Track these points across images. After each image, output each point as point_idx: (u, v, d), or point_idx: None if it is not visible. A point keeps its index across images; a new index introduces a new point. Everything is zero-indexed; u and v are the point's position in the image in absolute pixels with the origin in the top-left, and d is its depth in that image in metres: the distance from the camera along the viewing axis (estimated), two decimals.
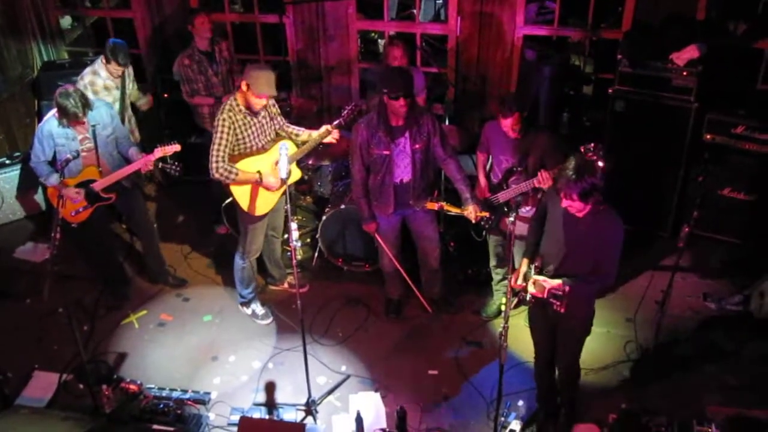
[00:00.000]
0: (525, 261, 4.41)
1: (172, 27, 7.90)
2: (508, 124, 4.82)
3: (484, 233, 5.41)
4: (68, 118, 5.20)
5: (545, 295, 4.15)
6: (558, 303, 4.12)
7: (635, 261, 5.91)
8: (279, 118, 5.38)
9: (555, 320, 4.39)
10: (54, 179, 5.40)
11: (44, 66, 7.43)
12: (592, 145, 4.43)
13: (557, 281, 4.13)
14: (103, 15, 8.17)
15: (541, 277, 4.20)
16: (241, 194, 5.27)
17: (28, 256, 6.69)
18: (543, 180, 4.76)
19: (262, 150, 5.26)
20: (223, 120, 4.99)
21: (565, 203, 3.97)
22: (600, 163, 4.40)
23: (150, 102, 6.48)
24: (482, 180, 5.32)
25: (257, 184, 5.21)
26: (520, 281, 4.36)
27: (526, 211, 5.15)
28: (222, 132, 4.99)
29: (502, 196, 5.15)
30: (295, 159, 5.36)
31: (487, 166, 5.31)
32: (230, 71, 6.63)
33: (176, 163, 5.56)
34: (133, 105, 6.46)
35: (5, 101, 7.34)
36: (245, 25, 8.20)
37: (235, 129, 5.03)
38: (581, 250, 4.11)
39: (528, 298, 4.38)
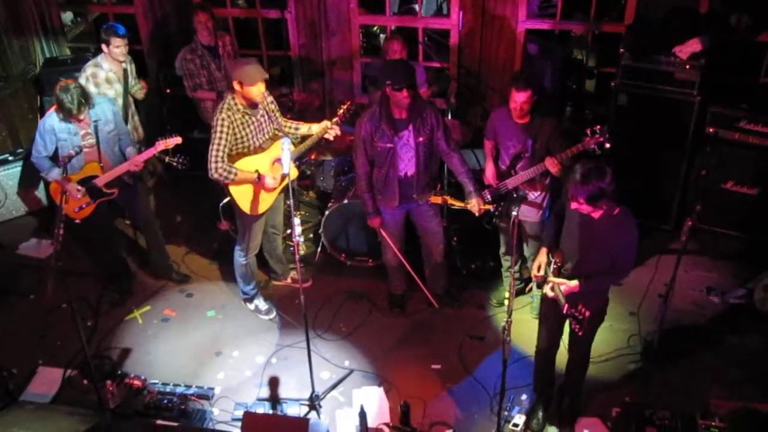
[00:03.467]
0: (544, 250, 4.41)
1: (174, 22, 7.90)
2: (520, 98, 4.82)
3: (494, 220, 5.40)
4: (64, 113, 5.21)
5: (564, 311, 4.14)
6: (578, 327, 4.12)
7: (639, 255, 5.90)
8: (276, 116, 5.36)
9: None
10: (55, 173, 5.40)
11: (46, 62, 7.43)
12: (598, 127, 4.53)
13: (574, 282, 4.14)
14: (104, 11, 8.16)
15: (558, 280, 4.20)
16: (239, 194, 5.26)
17: (31, 252, 6.71)
18: (551, 165, 4.80)
19: (260, 149, 5.25)
20: (222, 119, 4.98)
21: (573, 206, 4.00)
22: (607, 145, 4.51)
23: (144, 87, 6.45)
24: (490, 168, 5.31)
25: (256, 184, 5.21)
26: (541, 272, 4.37)
27: (535, 196, 5.17)
28: (221, 131, 4.97)
29: (510, 183, 5.15)
30: (295, 156, 5.35)
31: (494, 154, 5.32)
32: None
33: (183, 157, 5.56)
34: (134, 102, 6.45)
35: (8, 97, 7.34)
36: (247, 20, 8.19)
37: (234, 128, 5.02)
38: (596, 252, 4.13)
39: (544, 293, 4.39)
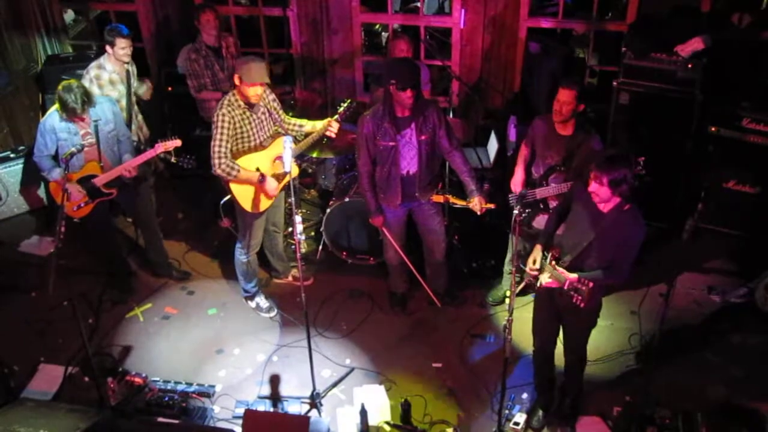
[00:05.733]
0: (538, 247, 4.40)
1: (176, 20, 7.90)
2: (564, 96, 4.76)
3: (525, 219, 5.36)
4: (67, 112, 5.22)
5: (566, 287, 4.12)
6: (580, 297, 4.08)
7: (639, 253, 5.90)
8: (278, 114, 5.36)
9: (561, 311, 4.40)
10: (57, 173, 5.41)
11: (48, 60, 7.43)
12: (641, 159, 4.49)
13: (573, 275, 4.12)
14: (106, 8, 8.16)
15: (559, 268, 4.20)
16: (240, 192, 5.26)
17: (33, 249, 6.70)
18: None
19: (261, 147, 5.24)
20: (223, 115, 4.98)
21: (592, 186, 3.97)
22: (643, 173, 4.51)
23: (151, 88, 6.45)
24: (520, 173, 5.24)
25: (258, 184, 5.21)
26: (536, 265, 4.36)
27: None
28: (222, 127, 4.97)
29: (539, 193, 5.11)
30: (296, 153, 5.34)
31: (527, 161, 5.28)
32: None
33: (189, 156, 5.56)
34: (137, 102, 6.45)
35: (9, 95, 7.34)
36: (249, 18, 8.19)
37: (234, 124, 5.02)
38: (601, 246, 4.12)
39: (537, 285, 4.38)
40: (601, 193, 3.96)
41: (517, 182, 5.23)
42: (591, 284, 4.06)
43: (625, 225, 4.05)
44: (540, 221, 5.15)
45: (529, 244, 5.36)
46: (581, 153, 4.88)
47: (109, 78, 6.01)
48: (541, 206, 5.16)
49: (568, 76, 4.91)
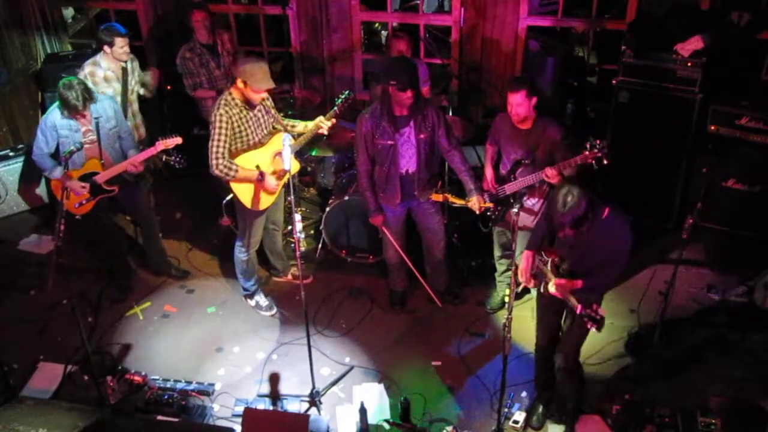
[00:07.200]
0: (526, 255, 4.41)
1: (176, 19, 7.89)
2: (514, 100, 4.75)
3: (490, 225, 5.41)
4: (69, 109, 5.24)
5: (578, 312, 4.03)
6: (595, 325, 4.01)
7: (639, 253, 5.89)
8: (273, 112, 5.36)
9: (566, 309, 4.40)
10: (58, 172, 5.41)
11: (47, 58, 7.43)
12: (598, 141, 4.48)
13: (578, 282, 4.12)
14: (105, 7, 8.17)
15: (563, 279, 4.18)
16: (241, 190, 5.26)
17: (32, 248, 6.71)
18: (551, 176, 4.76)
19: (259, 144, 5.24)
20: (221, 116, 4.97)
21: (561, 234, 4.07)
22: (605, 161, 4.52)
23: (155, 75, 6.42)
24: (489, 172, 5.29)
25: (258, 182, 5.21)
26: (522, 279, 4.38)
27: (533, 203, 5.15)
28: (220, 128, 4.97)
29: (509, 188, 5.13)
30: (294, 150, 5.33)
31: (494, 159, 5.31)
32: (233, 63, 6.61)
33: (180, 156, 5.57)
34: (141, 99, 6.43)
35: (9, 93, 7.34)
36: (249, 16, 8.19)
37: (232, 124, 5.02)
38: (587, 253, 4.13)
39: (542, 290, 4.37)
40: (572, 233, 4.00)
41: (487, 181, 5.27)
42: (604, 312, 4.01)
43: (608, 234, 4.05)
44: (520, 217, 5.16)
45: (507, 237, 5.45)
46: (544, 144, 4.91)
47: (104, 75, 6.02)
48: (512, 201, 5.16)
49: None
